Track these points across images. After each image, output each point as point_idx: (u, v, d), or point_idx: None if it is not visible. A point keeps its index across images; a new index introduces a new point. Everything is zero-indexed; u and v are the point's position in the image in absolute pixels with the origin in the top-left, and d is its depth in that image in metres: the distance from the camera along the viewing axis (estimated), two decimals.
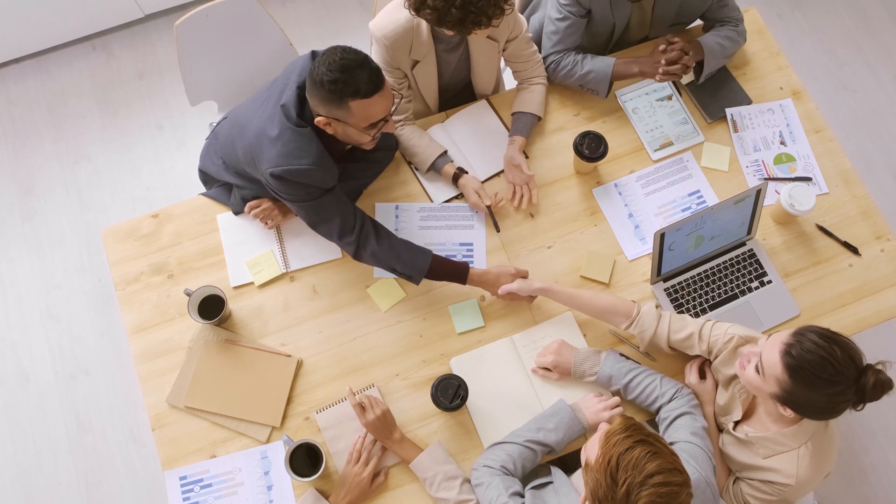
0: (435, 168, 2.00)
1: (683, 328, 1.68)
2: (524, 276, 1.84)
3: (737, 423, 1.64)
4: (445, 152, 2.01)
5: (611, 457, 1.23)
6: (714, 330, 1.65)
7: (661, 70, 1.91)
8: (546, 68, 2.07)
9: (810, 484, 1.56)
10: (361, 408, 1.70)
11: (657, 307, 1.72)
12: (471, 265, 1.90)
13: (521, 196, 1.97)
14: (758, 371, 1.45)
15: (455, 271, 1.82)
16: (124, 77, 3.08)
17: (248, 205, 1.93)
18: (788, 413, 1.45)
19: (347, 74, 1.51)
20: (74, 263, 2.81)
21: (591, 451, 1.30)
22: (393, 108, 1.64)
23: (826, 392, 1.36)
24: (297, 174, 1.64)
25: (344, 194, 1.79)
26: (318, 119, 1.61)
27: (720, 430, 1.70)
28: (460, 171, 1.97)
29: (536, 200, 1.97)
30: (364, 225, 1.78)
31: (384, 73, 1.92)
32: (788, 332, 1.42)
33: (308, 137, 1.64)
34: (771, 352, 1.41)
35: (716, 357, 1.66)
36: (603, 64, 2.00)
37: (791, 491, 1.56)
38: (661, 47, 1.94)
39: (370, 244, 1.77)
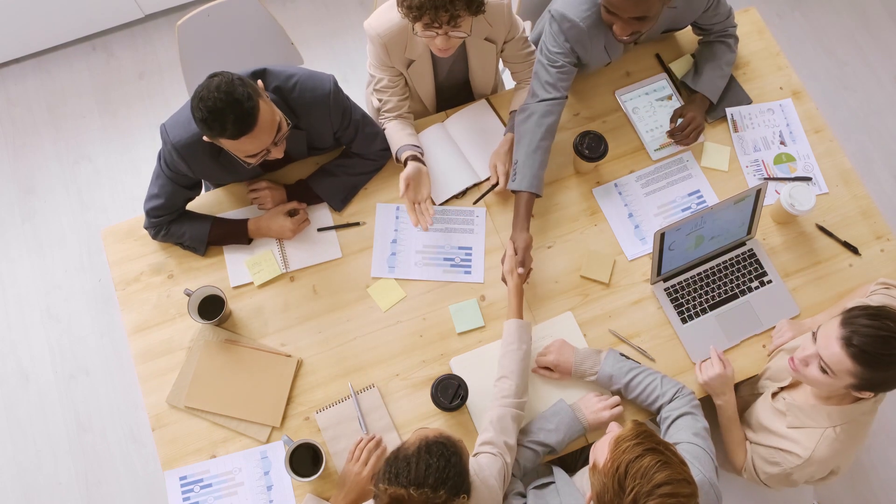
0: (398, 158, 1.93)
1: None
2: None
3: (780, 389, 1.65)
4: (416, 146, 1.93)
5: (620, 463, 1.23)
6: None
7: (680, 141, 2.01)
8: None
9: (820, 467, 1.55)
10: (357, 456, 1.68)
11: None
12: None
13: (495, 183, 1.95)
14: (824, 371, 1.44)
15: (236, 231, 1.92)
16: (124, 77, 3.08)
17: (250, 188, 1.96)
18: (867, 395, 1.45)
19: (214, 116, 1.49)
20: (74, 263, 2.81)
21: (599, 453, 1.29)
22: (277, 137, 1.61)
23: None
24: (164, 136, 1.73)
25: (191, 194, 1.88)
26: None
27: (759, 393, 1.71)
28: (413, 160, 1.88)
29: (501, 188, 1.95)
30: (171, 224, 1.89)
31: (379, 70, 1.92)
32: (836, 324, 1.41)
33: (196, 132, 1.67)
34: (830, 348, 1.40)
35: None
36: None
37: (800, 467, 1.56)
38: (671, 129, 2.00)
39: (162, 232, 1.90)
